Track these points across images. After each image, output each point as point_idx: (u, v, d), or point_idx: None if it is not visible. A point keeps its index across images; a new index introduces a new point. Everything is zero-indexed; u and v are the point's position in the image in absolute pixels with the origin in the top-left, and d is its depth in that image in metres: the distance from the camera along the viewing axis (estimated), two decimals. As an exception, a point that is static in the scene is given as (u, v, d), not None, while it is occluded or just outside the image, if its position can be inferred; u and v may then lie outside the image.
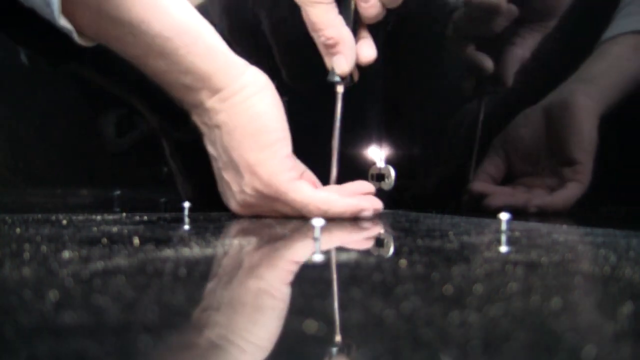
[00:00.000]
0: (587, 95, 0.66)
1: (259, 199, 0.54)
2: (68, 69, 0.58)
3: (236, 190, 0.54)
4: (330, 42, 0.55)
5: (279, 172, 0.52)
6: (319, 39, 0.56)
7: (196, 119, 0.55)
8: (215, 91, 0.52)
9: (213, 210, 0.63)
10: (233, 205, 0.56)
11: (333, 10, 0.55)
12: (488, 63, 0.66)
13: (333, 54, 0.56)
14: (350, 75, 0.59)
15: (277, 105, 0.54)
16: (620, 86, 0.66)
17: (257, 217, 0.57)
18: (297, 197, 0.53)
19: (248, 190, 0.53)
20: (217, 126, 0.53)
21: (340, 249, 0.39)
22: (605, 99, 0.66)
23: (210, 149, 0.56)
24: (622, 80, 0.66)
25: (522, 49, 0.67)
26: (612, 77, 0.66)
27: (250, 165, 0.52)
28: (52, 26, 0.48)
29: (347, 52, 0.56)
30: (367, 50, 0.57)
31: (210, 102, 0.53)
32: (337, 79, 0.59)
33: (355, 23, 0.58)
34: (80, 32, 0.49)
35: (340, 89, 0.60)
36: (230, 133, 0.53)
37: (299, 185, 0.53)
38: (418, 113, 0.73)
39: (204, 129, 0.55)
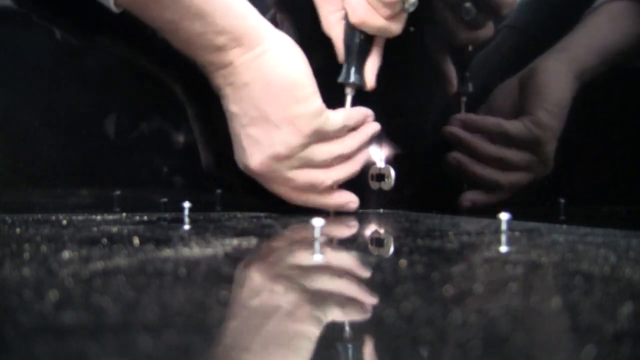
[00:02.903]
0: (557, 59, 0.67)
1: (286, 155, 0.56)
2: (97, 41, 0.59)
3: (266, 143, 0.55)
4: None
5: (315, 119, 0.55)
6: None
7: (220, 81, 0.56)
8: (247, 49, 0.54)
9: (213, 210, 0.63)
10: (258, 158, 0.56)
11: (329, 6, 0.59)
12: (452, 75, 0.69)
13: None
14: (360, 78, 0.60)
15: (306, 62, 0.56)
16: (594, 51, 0.67)
17: (250, 210, 0.57)
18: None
19: (285, 141, 0.55)
20: (247, 84, 0.55)
21: (340, 249, 0.39)
22: (578, 63, 0.67)
23: (234, 107, 0.56)
24: (596, 45, 0.68)
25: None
26: (586, 42, 0.68)
27: (289, 117, 0.55)
28: (77, 3, 0.50)
29: (339, 46, 0.60)
30: (368, 73, 0.61)
31: (242, 60, 0.54)
32: (350, 80, 0.59)
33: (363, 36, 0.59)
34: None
35: (349, 90, 0.60)
36: (265, 89, 0.54)
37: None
38: (418, 113, 0.73)
39: (228, 90, 0.56)
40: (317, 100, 0.56)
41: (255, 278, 0.29)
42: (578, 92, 0.67)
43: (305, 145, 0.56)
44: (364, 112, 0.60)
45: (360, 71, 0.60)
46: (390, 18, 0.58)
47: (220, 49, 0.54)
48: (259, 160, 0.56)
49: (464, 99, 0.70)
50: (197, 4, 0.51)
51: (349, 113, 0.59)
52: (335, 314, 0.22)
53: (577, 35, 0.68)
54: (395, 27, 0.59)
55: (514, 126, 0.66)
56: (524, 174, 0.68)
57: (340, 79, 0.60)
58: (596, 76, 0.67)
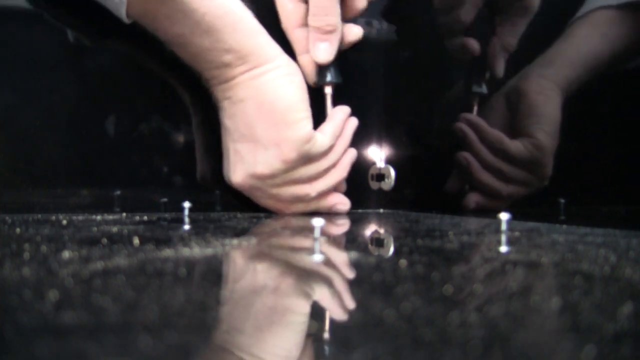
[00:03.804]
0: (542, 76, 0.67)
1: (269, 176, 0.56)
2: (109, 44, 0.59)
3: (250, 161, 0.56)
4: (329, 28, 0.58)
5: (302, 145, 0.55)
6: (316, 23, 0.57)
7: (220, 94, 0.56)
8: (251, 67, 0.54)
9: (213, 210, 0.63)
10: (240, 175, 0.57)
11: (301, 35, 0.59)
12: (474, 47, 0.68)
13: (320, 40, 0.58)
14: (336, 75, 0.59)
15: (304, 89, 0.57)
16: (579, 63, 0.67)
17: (250, 210, 0.57)
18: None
19: (269, 163, 0.55)
20: (242, 100, 0.55)
21: (340, 249, 0.39)
22: (564, 76, 0.67)
23: (227, 121, 0.57)
24: (582, 57, 0.67)
25: (503, 43, 0.68)
26: (571, 55, 0.68)
27: (277, 140, 0.55)
28: (91, 7, 0.50)
29: (335, 42, 0.58)
30: (354, 29, 0.60)
31: (242, 78, 0.55)
32: (327, 80, 0.59)
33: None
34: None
35: (328, 89, 0.60)
36: (258, 108, 0.55)
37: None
38: (418, 113, 0.73)
39: (225, 103, 0.57)
40: (307, 126, 0.55)
41: (254, 278, 0.29)
42: (565, 104, 0.67)
43: (288, 169, 0.56)
44: (345, 115, 0.60)
45: (336, 69, 0.60)
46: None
47: (226, 65, 0.54)
48: (240, 176, 0.57)
49: (477, 99, 0.70)
50: (208, 20, 0.51)
51: (335, 130, 0.58)
52: (335, 315, 0.22)
53: (562, 47, 0.68)
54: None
55: (515, 146, 0.66)
56: (521, 187, 0.68)
57: (319, 82, 0.60)
58: (582, 86, 0.67)
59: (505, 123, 0.68)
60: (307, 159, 0.56)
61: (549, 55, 0.68)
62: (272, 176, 0.56)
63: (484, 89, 0.70)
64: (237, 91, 0.55)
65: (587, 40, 0.68)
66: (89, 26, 0.57)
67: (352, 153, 0.61)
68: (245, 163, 0.56)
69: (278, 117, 0.55)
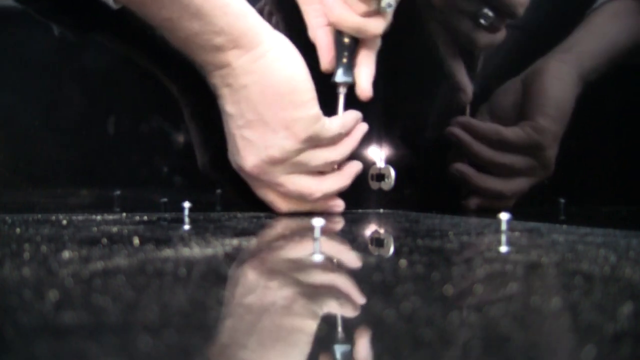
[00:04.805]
0: (561, 60, 0.67)
1: (280, 159, 0.56)
2: (94, 38, 0.59)
3: (261, 145, 0.55)
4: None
5: (311, 125, 0.55)
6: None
7: (218, 81, 0.56)
8: (245, 51, 0.54)
9: (213, 210, 0.63)
10: (252, 160, 0.56)
11: (312, 12, 0.59)
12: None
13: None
14: (352, 76, 0.59)
15: (305, 67, 0.56)
16: (598, 51, 0.67)
17: (250, 210, 0.57)
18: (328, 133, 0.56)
19: (280, 145, 0.55)
20: (245, 86, 0.55)
21: (340, 249, 0.39)
22: (583, 63, 0.67)
23: (231, 108, 0.56)
24: (600, 45, 0.68)
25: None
26: (590, 42, 0.68)
27: (286, 122, 0.55)
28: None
29: (320, 53, 0.60)
30: (362, 82, 0.60)
31: (239, 62, 0.54)
32: (340, 79, 0.59)
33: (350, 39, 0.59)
34: None
35: (341, 89, 0.60)
36: (263, 92, 0.55)
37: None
38: (418, 113, 0.73)
39: (225, 90, 0.56)
40: (315, 107, 0.56)
41: (255, 278, 0.29)
42: (582, 92, 0.67)
43: (300, 151, 0.56)
44: (357, 117, 0.60)
45: (350, 69, 0.60)
46: (367, 16, 0.57)
47: (218, 49, 0.54)
48: (252, 162, 0.56)
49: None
50: (196, 3, 0.51)
51: (345, 121, 0.59)
52: (335, 315, 0.22)
53: (581, 35, 0.68)
54: (374, 26, 0.58)
55: (513, 133, 0.66)
56: (525, 179, 0.68)
57: (332, 79, 0.60)
58: (600, 76, 0.67)
59: (518, 106, 0.68)
60: (317, 141, 0.56)
61: (569, 42, 0.68)
62: (283, 160, 0.56)
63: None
64: (238, 77, 0.55)
65: (605, 29, 0.68)
66: (74, 19, 0.57)
67: (359, 165, 0.61)
68: (256, 148, 0.56)
69: (286, 100, 0.55)
